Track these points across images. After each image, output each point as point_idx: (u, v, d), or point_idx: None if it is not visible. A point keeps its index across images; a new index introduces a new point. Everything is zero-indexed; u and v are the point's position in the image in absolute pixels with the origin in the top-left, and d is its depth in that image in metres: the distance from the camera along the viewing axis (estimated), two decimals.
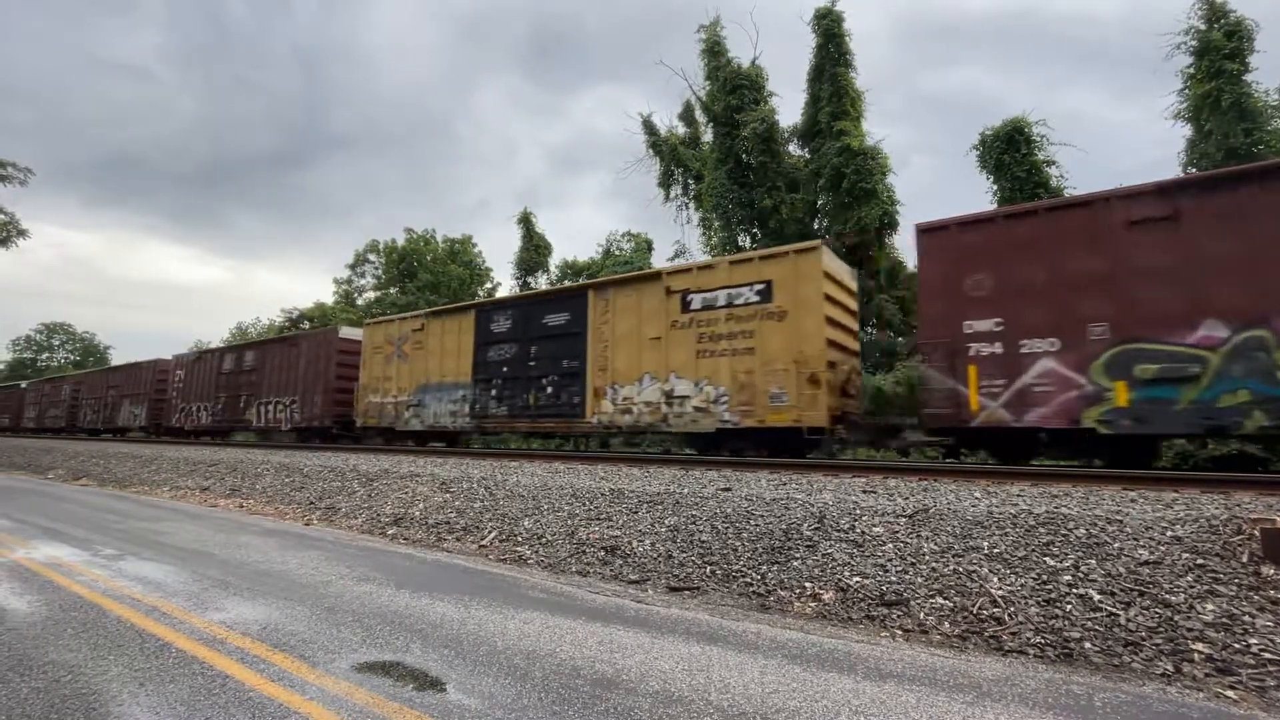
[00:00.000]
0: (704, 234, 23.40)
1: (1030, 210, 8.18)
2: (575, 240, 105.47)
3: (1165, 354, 6.93)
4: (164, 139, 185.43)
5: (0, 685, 2.97)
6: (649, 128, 26.40)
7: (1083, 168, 58.00)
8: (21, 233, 31.98)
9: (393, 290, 37.56)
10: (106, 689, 2.94)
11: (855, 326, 10.64)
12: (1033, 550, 4.31)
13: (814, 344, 8.79)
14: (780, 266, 9.29)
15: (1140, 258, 7.19)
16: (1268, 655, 3.20)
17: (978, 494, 5.58)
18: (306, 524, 8.15)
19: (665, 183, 26.03)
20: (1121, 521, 4.41)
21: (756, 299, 9.40)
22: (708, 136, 23.57)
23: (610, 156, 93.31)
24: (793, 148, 21.15)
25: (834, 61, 18.98)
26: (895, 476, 6.88)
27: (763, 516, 5.56)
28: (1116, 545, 4.16)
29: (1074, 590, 3.89)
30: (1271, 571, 3.67)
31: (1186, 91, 16.54)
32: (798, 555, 4.95)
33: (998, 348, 7.87)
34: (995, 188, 16.36)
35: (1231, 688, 3.07)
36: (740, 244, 20.37)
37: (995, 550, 4.40)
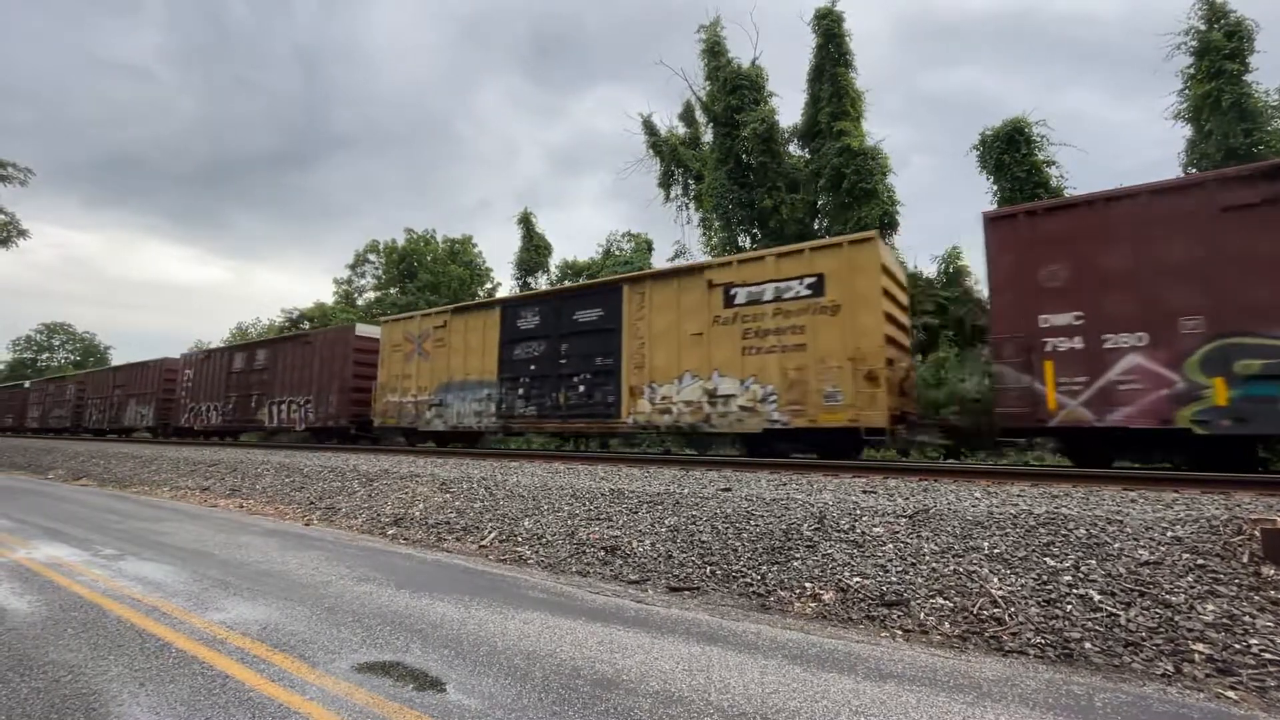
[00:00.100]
0: (704, 234, 23.42)
1: (1113, 196, 7.62)
2: (575, 241, 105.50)
3: (1270, 348, 6.48)
4: (164, 139, 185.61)
5: (0, 685, 2.97)
6: (649, 128, 26.42)
7: (1083, 168, 58.01)
8: (22, 233, 32.04)
9: (393, 290, 37.57)
10: (106, 689, 2.94)
11: (908, 322, 10.21)
12: (1033, 550, 4.31)
13: (872, 340, 8.36)
14: (833, 258, 8.86)
15: (1240, 245, 6.70)
16: (1268, 655, 3.19)
17: (978, 494, 5.58)
18: (306, 524, 8.15)
19: (665, 183, 26.04)
20: (1122, 522, 4.41)
21: (807, 293, 8.94)
22: (708, 137, 23.58)
23: (610, 157, 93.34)
24: (793, 148, 21.14)
25: (834, 62, 18.98)
26: (895, 477, 6.87)
27: (763, 517, 5.56)
28: (1117, 545, 4.16)
29: (1074, 590, 3.89)
30: (1272, 572, 3.67)
31: (1186, 92, 16.55)
32: (798, 555, 4.95)
33: (1077, 342, 7.39)
34: (995, 188, 16.36)
35: (1232, 688, 3.07)
36: (740, 244, 20.37)
37: (995, 550, 4.40)
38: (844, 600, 4.37)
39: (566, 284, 17.31)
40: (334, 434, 16.44)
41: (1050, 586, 3.97)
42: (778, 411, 8.98)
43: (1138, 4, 67.74)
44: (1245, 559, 3.82)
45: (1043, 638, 3.65)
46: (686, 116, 26.08)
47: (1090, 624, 3.65)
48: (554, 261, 30.65)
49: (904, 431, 9.17)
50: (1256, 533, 3.90)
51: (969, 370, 12.84)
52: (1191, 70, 16.38)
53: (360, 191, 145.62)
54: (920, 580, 4.33)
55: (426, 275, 36.13)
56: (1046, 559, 4.20)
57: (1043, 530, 4.49)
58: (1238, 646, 3.29)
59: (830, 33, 19.06)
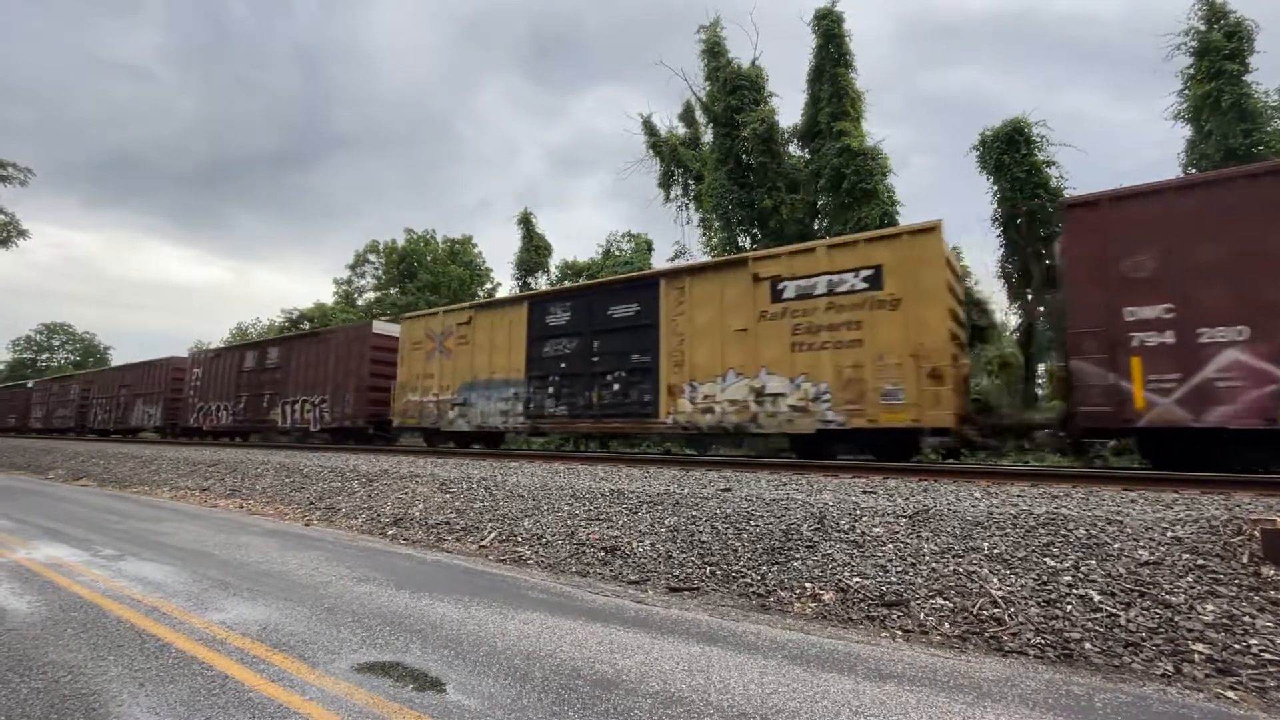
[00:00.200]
0: (704, 235, 23.42)
1: (1209, 180, 7.20)
2: (575, 241, 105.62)
3: None
4: (164, 139, 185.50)
5: (0, 685, 2.97)
6: (649, 128, 26.41)
7: (1083, 168, 58.02)
8: (22, 233, 32.03)
9: (393, 291, 37.59)
10: (106, 689, 2.94)
11: (963, 318, 9.70)
12: (1033, 551, 4.31)
13: (936, 335, 7.94)
14: (892, 249, 8.41)
15: None
16: (1268, 656, 3.19)
17: (978, 494, 5.58)
18: (306, 524, 8.15)
19: (665, 183, 26.03)
20: (1121, 522, 4.41)
21: (863, 286, 8.50)
22: (708, 137, 23.58)
23: (610, 157, 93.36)
24: (793, 148, 21.13)
25: (834, 62, 18.97)
26: (895, 477, 6.87)
27: (763, 517, 5.56)
28: (1116, 546, 4.16)
29: (1074, 591, 3.89)
30: (1272, 572, 3.67)
31: (1186, 92, 16.54)
32: (798, 556, 4.95)
33: (1168, 337, 6.92)
34: (995, 188, 16.37)
35: (1232, 688, 3.07)
36: (740, 245, 20.37)
37: (995, 551, 4.40)
38: (844, 600, 4.37)
39: (600, 278, 16.75)
40: (350, 434, 16.01)
41: (1050, 587, 3.97)
42: (832, 411, 8.55)
43: (1138, 4, 67.82)
44: (1245, 559, 3.82)
45: (1043, 638, 3.65)
46: (686, 117, 26.08)
47: (1090, 624, 3.65)
48: (554, 262, 30.68)
49: (972, 432, 8.75)
50: (1256, 533, 3.90)
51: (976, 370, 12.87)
52: (1191, 71, 16.38)
53: (360, 191, 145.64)
54: (920, 580, 4.33)
55: (426, 275, 36.14)
56: (1046, 559, 4.20)
57: (1043, 530, 4.49)
58: (1237, 647, 3.29)
59: (830, 33, 19.06)
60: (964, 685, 3.09)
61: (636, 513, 6.30)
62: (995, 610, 3.92)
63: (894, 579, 4.41)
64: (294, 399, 17.24)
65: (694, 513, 5.98)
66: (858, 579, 4.51)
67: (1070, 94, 78.68)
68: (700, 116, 24.80)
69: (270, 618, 4.07)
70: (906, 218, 17.59)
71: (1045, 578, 4.05)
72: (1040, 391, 14.72)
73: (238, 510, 9.43)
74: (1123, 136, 61.78)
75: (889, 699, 2.91)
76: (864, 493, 5.97)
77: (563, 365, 11.61)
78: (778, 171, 20.03)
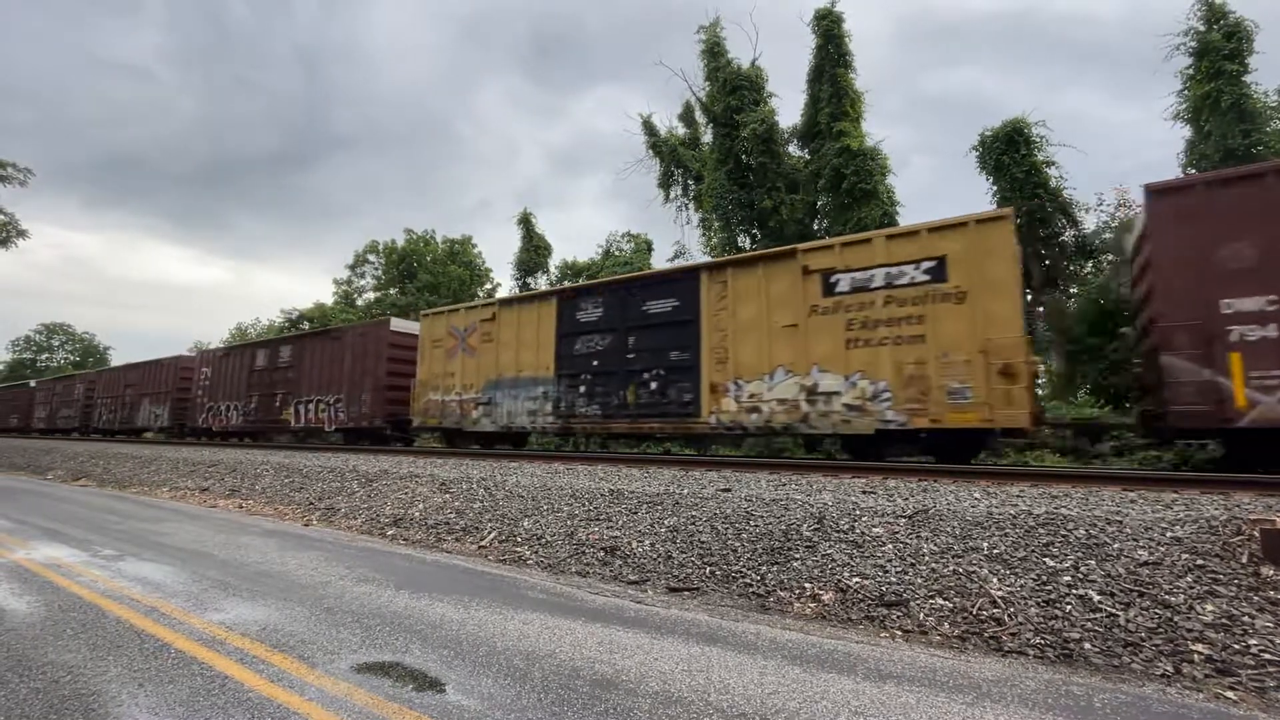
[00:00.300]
0: (704, 235, 23.44)
1: None
2: (575, 241, 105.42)
3: None
4: (164, 139, 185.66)
5: None
6: (649, 128, 26.43)
7: (1083, 168, 58.07)
8: (21, 233, 31.97)
9: (392, 291, 37.59)
10: (105, 689, 2.94)
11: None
12: (1032, 551, 4.31)
13: (1008, 330, 7.51)
14: (957, 240, 7.96)
15: None
16: (1267, 656, 3.20)
17: (977, 495, 5.58)
18: (306, 525, 8.15)
19: (665, 183, 26.05)
20: (1121, 522, 4.41)
21: (925, 278, 8.06)
22: (707, 137, 23.59)
23: (610, 157, 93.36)
24: (792, 148, 21.15)
25: (834, 62, 18.99)
26: (895, 477, 6.87)
27: (762, 517, 5.56)
28: (1116, 546, 4.16)
29: (1074, 591, 3.89)
30: (1271, 572, 3.67)
31: (1186, 92, 16.56)
32: (797, 556, 4.95)
33: (1272, 331, 6.51)
34: (994, 188, 16.39)
35: (1231, 688, 3.07)
36: (740, 245, 20.38)
37: (995, 551, 4.40)
38: (843, 601, 4.37)
39: (639, 271, 16.12)
40: (366, 435, 15.58)
41: (1050, 587, 3.97)
42: (892, 410, 8.10)
43: (1138, 4, 67.87)
44: (1244, 559, 3.82)
45: (1042, 638, 3.65)
46: (686, 117, 26.11)
47: (1090, 624, 3.65)
48: (554, 262, 30.71)
49: (1049, 433, 8.41)
50: (1256, 533, 3.90)
51: None
52: (1190, 71, 16.40)
53: (360, 192, 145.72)
54: (920, 581, 4.33)
55: (426, 276, 36.14)
56: (1046, 559, 4.20)
57: (1042, 531, 4.49)
58: (1237, 647, 3.29)
59: (830, 33, 19.07)
60: (963, 685, 3.09)
61: (636, 513, 6.30)
62: (995, 610, 3.92)
63: (893, 579, 4.41)
64: (308, 398, 16.77)
65: (694, 513, 5.98)
66: (857, 579, 4.51)
67: (1070, 94, 78.77)
68: (700, 117, 24.82)
69: (270, 618, 4.06)
70: (906, 218, 17.63)
71: (1045, 578, 4.05)
72: (1040, 392, 14.73)
73: (237, 510, 9.43)
74: (1123, 137, 61.86)
75: (888, 699, 2.91)
76: (863, 493, 5.97)
77: (595, 363, 11.20)
78: (777, 172, 20.04)
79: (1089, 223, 16.05)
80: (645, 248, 31.00)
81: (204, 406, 20.65)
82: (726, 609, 4.50)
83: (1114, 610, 3.69)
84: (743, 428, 9.44)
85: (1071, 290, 16.06)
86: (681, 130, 26.41)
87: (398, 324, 15.59)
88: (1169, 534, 4.19)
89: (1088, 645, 3.53)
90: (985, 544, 4.49)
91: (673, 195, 26.07)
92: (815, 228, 19.88)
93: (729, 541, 5.39)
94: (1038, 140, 16.01)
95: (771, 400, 9.12)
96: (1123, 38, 69.52)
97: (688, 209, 25.86)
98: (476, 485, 8.14)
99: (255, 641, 3.60)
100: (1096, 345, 12.18)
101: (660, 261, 29.57)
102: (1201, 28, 16.21)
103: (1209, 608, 3.56)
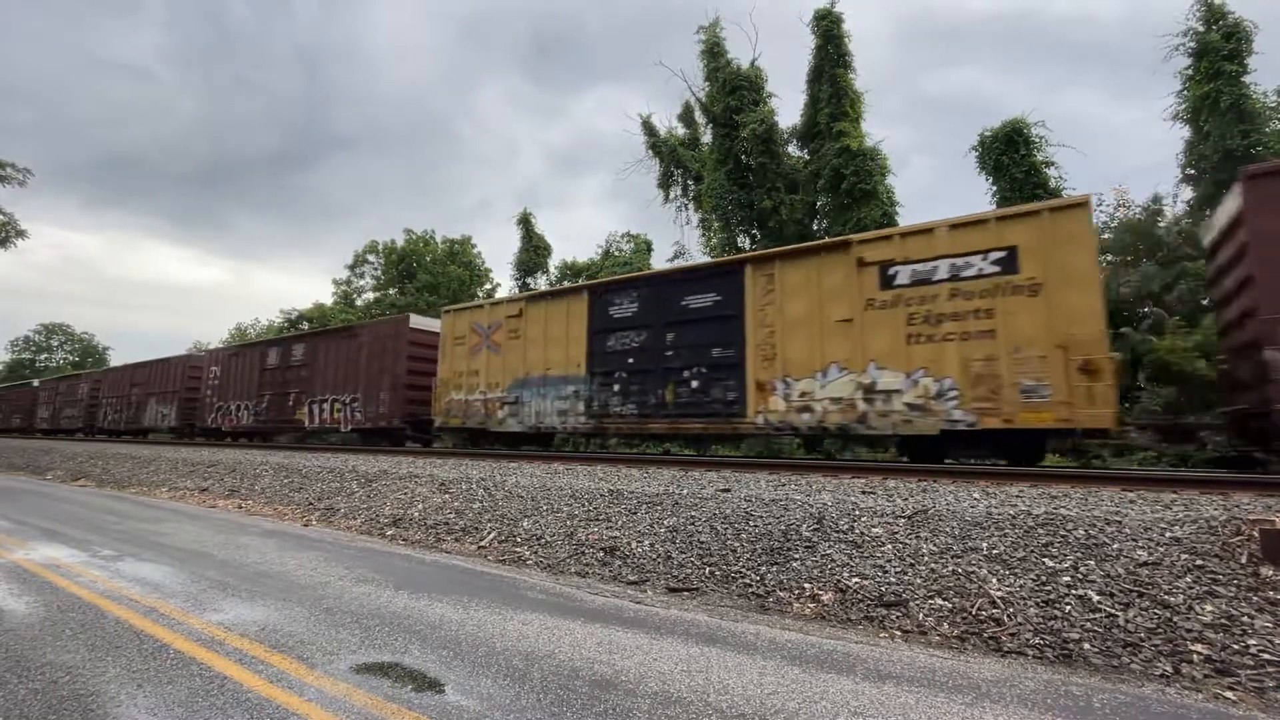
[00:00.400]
0: (703, 235, 23.45)
1: None
2: (575, 241, 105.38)
3: None
4: (164, 139, 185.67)
5: None
6: (649, 129, 26.43)
7: (1082, 169, 58.10)
8: (20, 233, 31.85)
9: (392, 291, 37.56)
10: (104, 690, 2.94)
11: None
12: (1032, 551, 4.31)
13: (1088, 325, 7.13)
14: (1029, 228, 7.58)
15: None
16: (1266, 656, 3.20)
17: (977, 495, 5.58)
18: (305, 525, 8.15)
19: (665, 184, 26.05)
20: (1120, 522, 4.41)
21: (995, 269, 7.67)
22: (707, 137, 23.61)
23: (610, 157, 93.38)
24: (792, 149, 21.16)
25: (833, 63, 18.99)
26: (894, 478, 6.88)
27: (761, 517, 5.56)
28: (1115, 546, 4.16)
29: (1073, 591, 3.89)
30: (1270, 572, 3.67)
31: (1185, 93, 16.57)
32: (797, 556, 4.95)
33: None
34: (994, 188, 16.39)
35: (1230, 689, 3.07)
36: (740, 245, 20.38)
37: (994, 551, 4.40)
38: (843, 601, 4.37)
39: (678, 265, 15.42)
40: (384, 435, 15.18)
41: (1049, 587, 3.97)
42: (960, 409, 7.68)
43: (1137, 5, 67.93)
44: (1244, 560, 3.82)
45: (1041, 638, 3.65)
46: (686, 117, 26.11)
47: (1089, 625, 3.65)
48: (553, 262, 30.71)
49: (1134, 434, 8.12)
50: (1255, 533, 3.90)
51: None
52: (1190, 71, 16.41)
53: (360, 192, 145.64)
54: (919, 581, 4.33)
55: (426, 276, 36.12)
56: (1045, 560, 4.20)
57: (1041, 531, 4.49)
58: (1236, 647, 3.30)
59: (829, 34, 19.08)
60: (963, 685, 3.09)
61: (636, 513, 6.30)
62: (994, 611, 3.92)
63: (893, 579, 4.41)
64: (322, 398, 16.30)
65: (693, 513, 5.98)
66: (856, 579, 4.51)
67: (1070, 94, 78.83)
68: (700, 117, 24.84)
69: (269, 618, 4.06)
70: (906, 218, 17.63)
71: (1044, 578, 4.05)
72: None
73: (236, 511, 9.43)
74: (1123, 137, 61.90)
75: (888, 699, 2.91)
76: (863, 493, 5.97)
77: (630, 360, 10.77)
78: (777, 172, 20.05)
79: None
80: (645, 248, 31.00)
81: (213, 406, 20.22)
82: (726, 609, 4.50)
83: (1113, 610, 3.69)
84: (793, 428, 9.06)
85: None
86: (681, 130, 26.42)
87: (418, 321, 15.19)
88: (1168, 534, 4.19)
89: (1087, 645, 3.53)
90: (984, 544, 4.49)
91: (672, 195, 26.10)
92: (815, 228, 19.88)
93: (728, 542, 5.39)
94: (1037, 141, 16.02)
95: (824, 399, 8.71)
96: (1123, 38, 69.57)
97: (687, 209, 25.88)
98: (476, 485, 8.14)
99: (254, 642, 3.60)
100: None
101: (659, 262, 29.57)
102: (1201, 28, 16.22)
103: (1208, 608, 3.56)
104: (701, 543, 5.49)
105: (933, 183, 63.52)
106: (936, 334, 7.98)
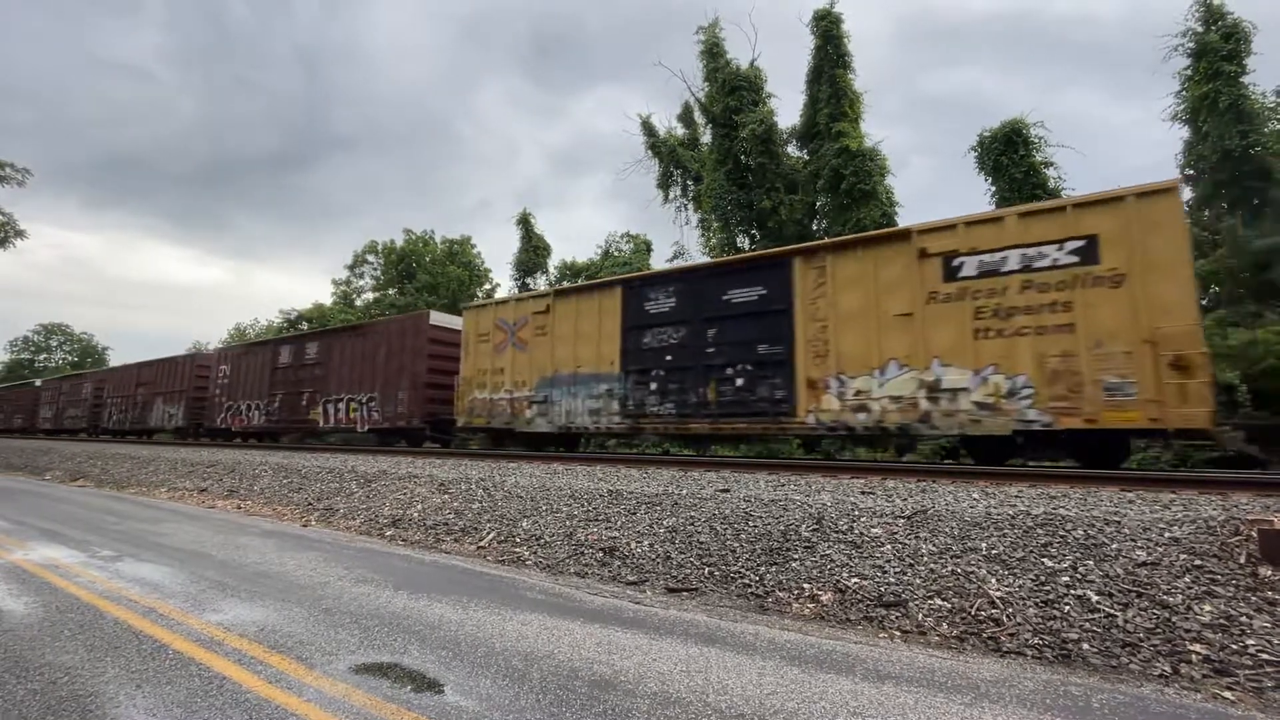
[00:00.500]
0: (703, 235, 23.46)
1: None
2: (574, 242, 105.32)
3: None
4: (164, 139, 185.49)
5: None
6: (648, 129, 26.46)
7: (1082, 169, 58.16)
8: (20, 233, 31.86)
9: (391, 291, 37.55)
10: (103, 690, 2.93)
11: None
12: (1031, 551, 4.31)
13: (1180, 317, 6.68)
14: (1111, 215, 7.12)
15: None
16: (1265, 656, 3.20)
17: (976, 495, 5.58)
18: (304, 525, 8.14)
19: (664, 184, 26.08)
20: (1119, 523, 4.41)
21: (1071, 260, 7.23)
22: (706, 138, 23.63)
23: (610, 157, 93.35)
24: (791, 149, 21.18)
25: (833, 63, 19.01)
26: (894, 478, 6.88)
27: (761, 518, 5.57)
28: (1114, 546, 4.16)
29: (1072, 591, 3.89)
30: (1269, 573, 3.67)
31: (1184, 93, 16.60)
32: (796, 556, 4.95)
33: None
34: (993, 189, 16.41)
35: (1229, 689, 3.08)
36: (739, 245, 20.40)
37: (993, 551, 4.40)
38: (842, 601, 4.37)
39: (722, 258, 14.57)
40: (403, 435, 14.86)
41: (1048, 587, 3.97)
42: (1035, 409, 7.23)
43: (1137, 5, 67.96)
44: (1242, 560, 3.83)
45: (1040, 638, 3.65)
46: (685, 117, 26.13)
47: (1088, 625, 3.65)
48: (553, 262, 30.72)
49: (1231, 434, 7.73)
50: (1254, 534, 3.91)
51: None
52: (1189, 72, 16.43)
53: (360, 192, 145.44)
54: (918, 581, 4.33)
55: (425, 276, 36.11)
56: (1044, 560, 4.20)
57: (1040, 531, 4.49)
58: (1235, 647, 3.30)
59: (829, 34, 19.10)
60: (962, 686, 3.09)
61: (635, 513, 6.30)
62: (993, 611, 3.92)
63: (892, 580, 4.41)
64: (337, 397, 15.84)
65: (692, 513, 5.98)
66: (856, 580, 4.51)
67: (1070, 94, 78.87)
68: (699, 117, 24.86)
69: (268, 619, 4.06)
70: (906, 218, 17.64)
71: (1043, 578, 4.05)
72: None
73: (236, 511, 9.42)
74: (1122, 137, 61.95)
75: (887, 699, 2.92)
76: (862, 493, 5.97)
77: (667, 358, 10.33)
78: (776, 172, 20.06)
79: None
80: (645, 248, 31.02)
81: (222, 406, 19.69)
82: (725, 609, 4.50)
83: (1112, 611, 3.70)
84: (848, 428, 8.57)
85: None
86: (681, 131, 26.45)
87: (438, 317, 14.78)
88: (1167, 534, 4.19)
89: (1086, 645, 3.53)
90: (984, 544, 4.49)
91: (672, 196, 26.13)
92: (814, 228, 19.90)
93: (728, 542, 5.39)
94: (1036, 141, 16.04)
95: (883, 398, 8.24)
96: (1122, 38, 69.59)
97: (687, 209, 25.91)
98: (475, 486, 8.14)
99: (253, 642, 3.60)
100: None
101: (659, 262, 29.58)
102: (1200, 29, 16.25)
103: (1207, 608, 3.57)
104: (701, 543, 5.49)
105: (932, 183, 63.53)
106: (1007, 328, 7.53)
